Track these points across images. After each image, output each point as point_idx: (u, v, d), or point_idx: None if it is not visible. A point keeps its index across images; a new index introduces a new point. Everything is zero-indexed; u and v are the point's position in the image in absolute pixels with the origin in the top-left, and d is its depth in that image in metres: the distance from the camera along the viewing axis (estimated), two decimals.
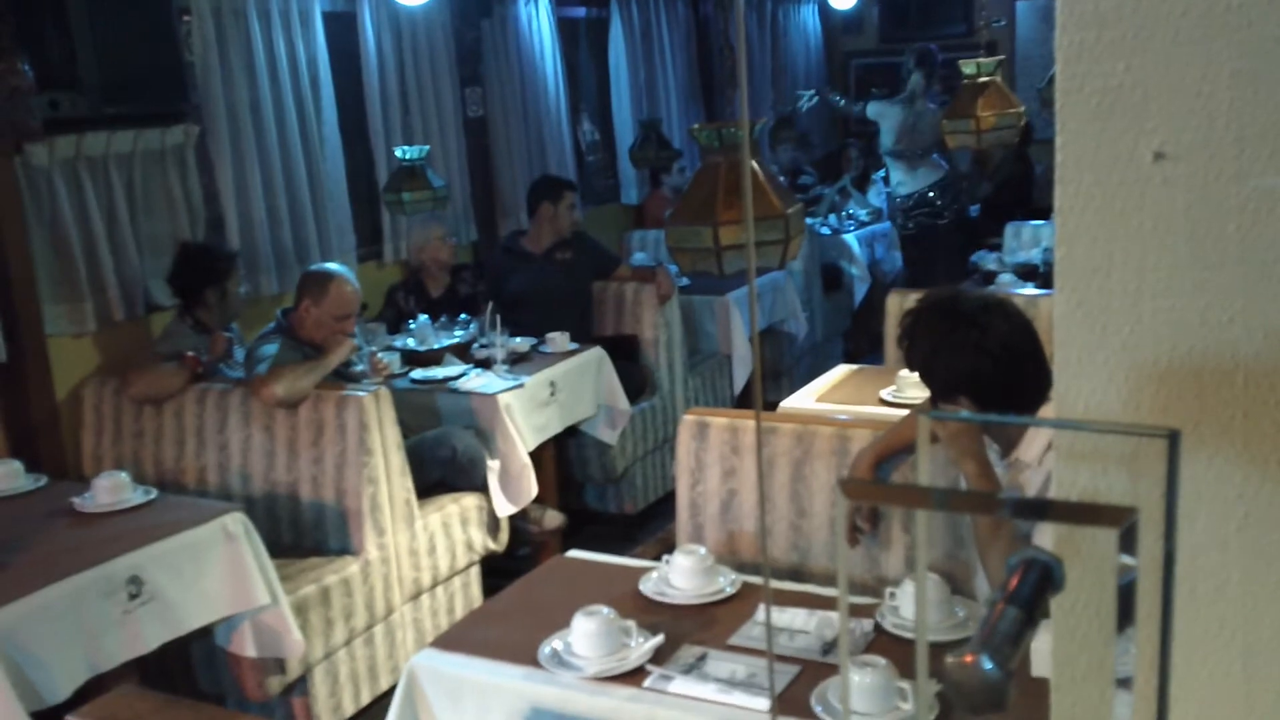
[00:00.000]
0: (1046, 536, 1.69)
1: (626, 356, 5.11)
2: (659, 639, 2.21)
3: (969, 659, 0.61)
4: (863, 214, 7.65)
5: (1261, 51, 0.88)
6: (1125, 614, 0.72)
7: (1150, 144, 0.92)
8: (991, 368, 2.21)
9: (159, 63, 4.36)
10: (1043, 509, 0.69)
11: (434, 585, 3.89)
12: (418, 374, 4.44)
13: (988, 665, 0.61)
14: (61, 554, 2.92)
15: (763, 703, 2.00)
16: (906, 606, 2.27)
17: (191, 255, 4.11)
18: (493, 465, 4.12)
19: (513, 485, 4.18)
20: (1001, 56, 5.00)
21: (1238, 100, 0.89)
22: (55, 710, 2.68)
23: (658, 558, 2.61)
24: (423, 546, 3.80)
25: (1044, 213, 6.52)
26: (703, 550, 2.52)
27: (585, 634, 2.19)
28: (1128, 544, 0.69)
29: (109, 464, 3.90)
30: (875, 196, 8.05)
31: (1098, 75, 0.93)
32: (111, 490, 3.23)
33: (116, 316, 4.22)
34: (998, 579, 2.26)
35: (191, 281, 4.05)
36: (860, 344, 7.49)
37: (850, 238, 7.30)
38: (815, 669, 2.11)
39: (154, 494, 3.29)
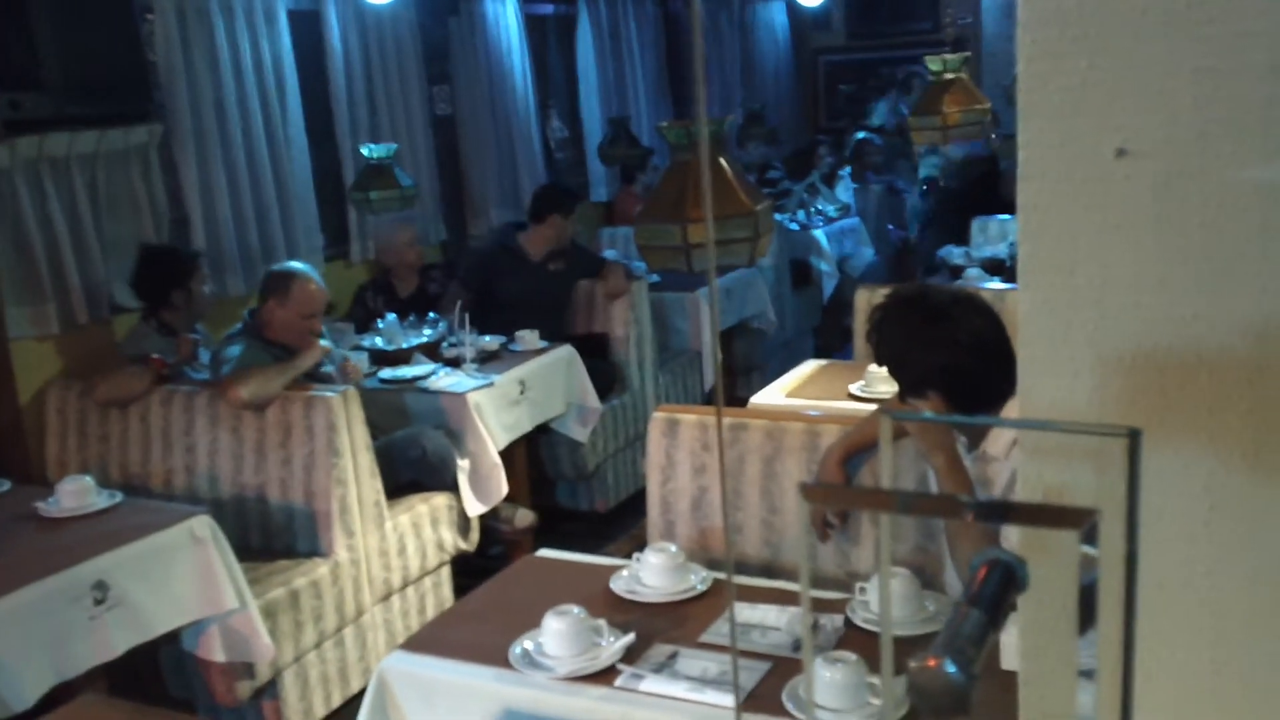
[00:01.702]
0: (1014, 531, 1.70)
1: (597, 354, 5.10)
2: (630, 638, 2.20)
3: (932, 663, 0.61)
4: (831, 210, 7.68)
5: (1222, 48, 0.88)
6: (1091, 612, 0.72)
7: (1113, 141, 0.93)
8: (962, 362, 2.21)
9: (122, 62, 4.32)
10: (1004, 512, 0.69)
11: (404, 586, 3.87)
12: (386, 373, 4.42)
13: (951, 669, 0.61)
14: (26, 559, 2.89)
15: (733, 700, 2.00)
16: (877, 601, 2.27)
17: (154, 257, 4.07)
18: (463, 464, 4.11)
19: (483, 484, 4.17)
20: (968, 53, 5.03)
21: (1199, 97, 0.90)
22: (21, 718, 2.65)
23: (630, 555, 2.61)
24: (393, 547, 3.79)
25: (1010, 207, 6.56)
26: (673, 548, 2.52)
27: (556, 634, 2.18)
28: (1095, 537, 0.70)
29: (74, 468, 3.86)
30: (843, 192, 8.08)
31: (1060, 73, 0.93)
32: (76, 494, 3.20)
33: (80, 319, 4.18)
34: (967, 570, 2.27)
35: (156, 283, 4.01)
36: (830, 339, 7.52)
37: (819, 233, 7.33)
38: (787, 665, 2.11)
39: (119, 498, 3.25)
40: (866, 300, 4.11)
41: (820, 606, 2.33)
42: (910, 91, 7.85)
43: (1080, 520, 0.63)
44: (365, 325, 4.86)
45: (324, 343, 3.90)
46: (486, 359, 4.53)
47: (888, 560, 0.74)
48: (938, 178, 7.73)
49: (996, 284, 4.88)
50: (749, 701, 2.02)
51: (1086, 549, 0.71)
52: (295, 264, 4.06)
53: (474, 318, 4.56)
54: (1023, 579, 0.68)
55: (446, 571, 4.09)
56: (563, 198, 5.30)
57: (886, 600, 0.75)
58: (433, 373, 4.39)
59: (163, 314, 4.02)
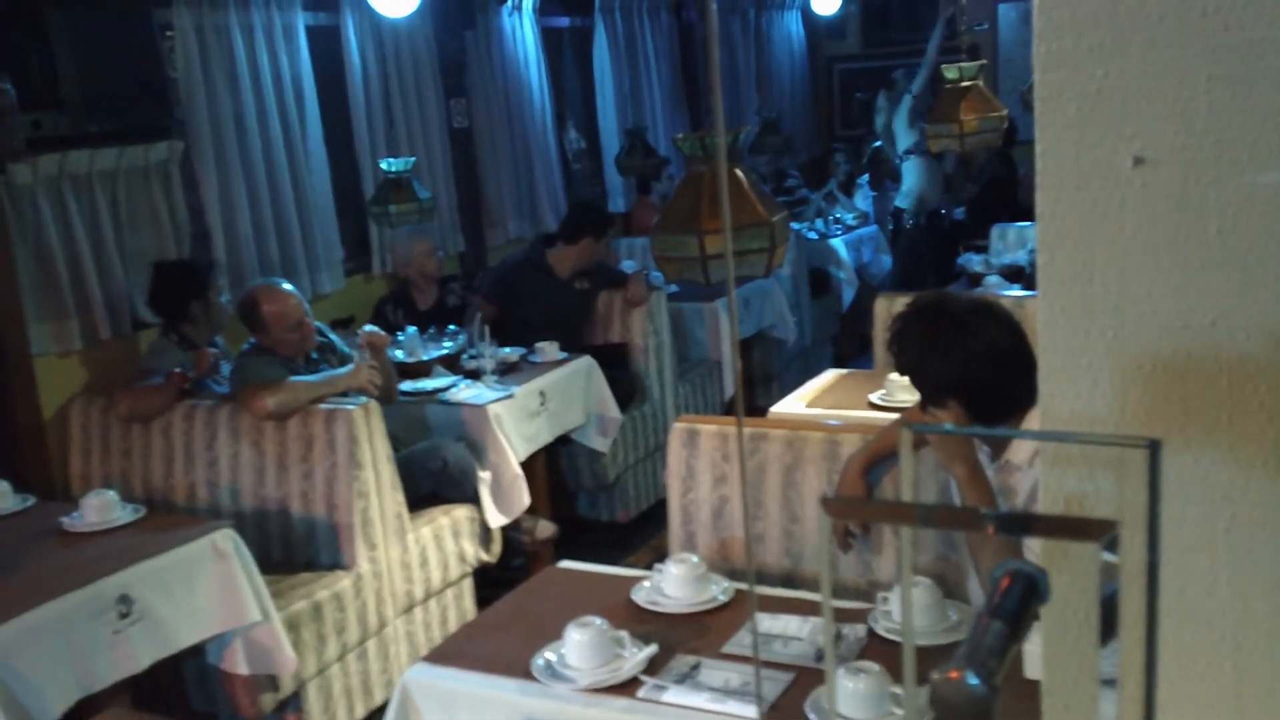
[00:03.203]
0: (1037, 540, 1.69)
1: (616, 364, 5.11)
2: (652, 649, 2.20)
3: (954, 674, 0.61)
4: (849, 218, 7.67)
5: (1238, 55, 0.88)
6: (1112, 623, 0.72)
7: (1130, 149, 0.93)
8: (981, 371, 2.21)
9: (142, 79, 4.36)
10: (1025, 523, 0.69)
11: (426, 598, 3.88)
12: (407, 386, 4.43)
13: (973, 680, 0.61)
14: (50, 574, 2.91)
15: (756, 711, 2.00)
16: (899, 610, 2.27)
17: (168, 273, 4.09)
18: (484, 476, 4.12)
19: (504, 496, 4.17)
20: (983, 60, 5.02)
21: (1215, 104, 0.90)
22: None
23: (650, 565, 2.61)
24: (415, 559, 3.80)
25: (1029, 214, 6.53)
26: (695, 559, 2.52)
27: (578, 645, 2.18)
28: (1116, 546, 0.70)
29: (97, 483, 3.88)
30: (861, 201, 8.07)
31: (1076, 82, 0.93)
32: (100, 509, 3.22)
33: (103, 334, 4.21)
34: (989, 580, 2.26)
35: (175, 297, 4.03)
36: (849, 347, 7.51)
37: (837, 242, 7.32)
38: (809, 675, 2.11)
39: (143, 512, 3.27)
40: (885, 308, 4.10)
41: (842, 616, 2.33)
42: (894, 89, 7.63)
43: (1101, 531, 0.63)
44: None
45: (357, 358, 3.91)
46: (506, 371, 4.54)
47: (910, 572, 0.74)
48: (906, 212, 7.36)
49: (1016, 291, 4.86)
50: (772, 712, 2.01)
51: (1108, 557, 0.71)
52: (257, 285, 4.03)
53: (495, 330, 4.57)
54: (1045, 590, 0.68)
55: (468, 583, 4.10)
56: (597, 220, 5.31)
57: (909, 611, 0.75)
58: (453, 385, 4.40)
59: (182, 328, 4.04)
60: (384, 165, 4.92)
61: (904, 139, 7.21)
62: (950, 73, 4.67)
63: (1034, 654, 1.03)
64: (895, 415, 3.17)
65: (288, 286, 3.95)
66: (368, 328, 4.14)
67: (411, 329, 4.71)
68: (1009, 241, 6.11)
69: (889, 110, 7.49)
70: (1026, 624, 0.67)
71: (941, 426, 2.30)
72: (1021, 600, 0.67)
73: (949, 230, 7.32)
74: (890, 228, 7.58)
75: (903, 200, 7.34)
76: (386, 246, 5.55)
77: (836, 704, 1.94)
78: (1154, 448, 0.66)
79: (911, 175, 7.26)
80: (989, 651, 0.62)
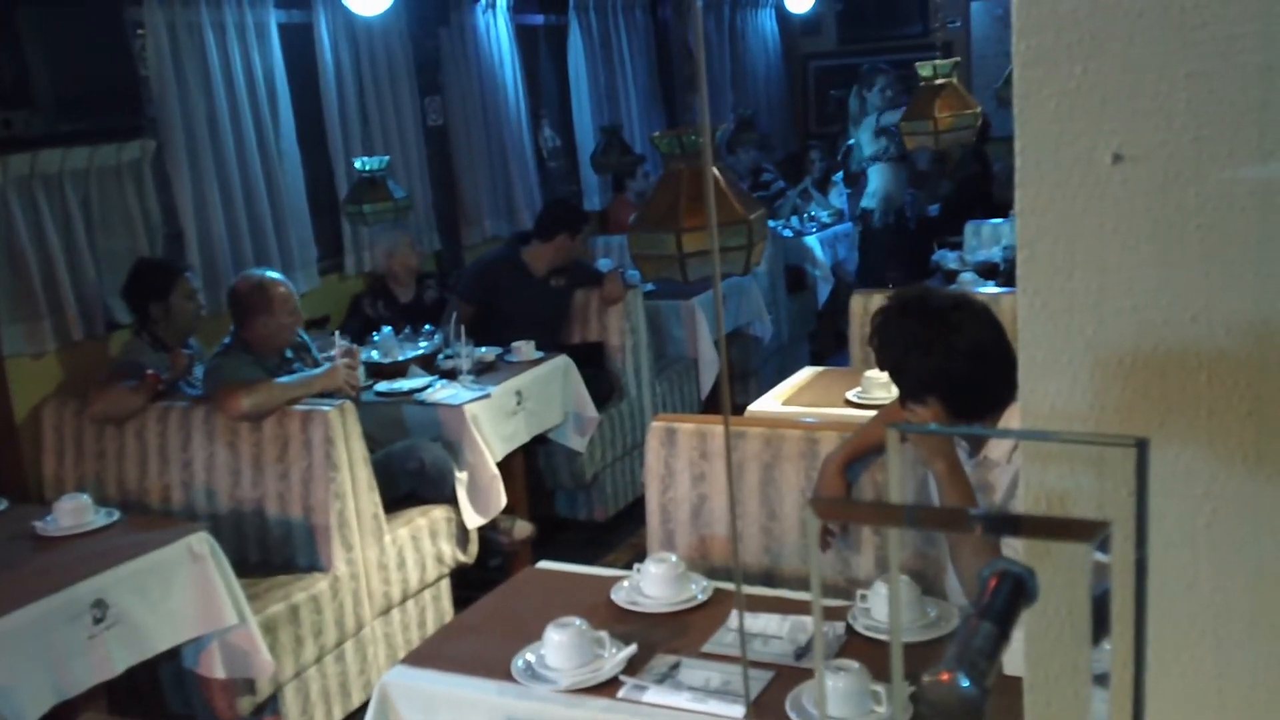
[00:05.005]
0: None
1: (593, 363, 5.10)
2: (632, 649, 2.20)
3: (945, 677, 0.61)
4: (825, 215, 7.68)
5: (1216, 52, 0.88)
6: (1101, 622, 0.72)
7: (1109, 146, 0.93)
8: (962, 367, 2.21)
9: (113, 78, 4.32)
10: (1016, 525, 0.68)
11: (404, 599, 3.86)
12: (383, 386, 4.41)
13: (965, 683, 0.61)
14: (24, 579, 2.88)
15: (737, 710, 2.00)
16: (878, 608, 2.27)
17: (139, 270, 4.06)
18: (461, 477, 4.10)
19: (482, 496, 4.16)
20: (958, 58, 5.03)
21: (1194, 100, 0.90)
22: None
23: (630, 564, 2.61)
24: (392, 561, 3.78)
25: (1003, 210, 6.57)
26: (674, 558, 2.51)
27: (558, 646, 2.18)
28: (1104, 544, 0.69)
29: (70, 486, 3.84)
30: (836, 198, 8.09)
31: (1055, 79, 0.93)
32: (73, 513, 3.19)
33: (76, 335, 4.16)
34: (968, 577, 2.27)
35: (135, 296, 4.00)
36: (826, 344, 7.52)
37: (812, 239, 7.34)
38: (789, 674, 2.11)
39: (116, 515, 3.24)
40: (861, 305, 4.12)
41: (822, 613, 2.33)
42: (867, 85, 7.56)
43: (1092, 532, 0.63)
44: (363, 335, 4.84)
45: (331, 363, 3.89)
46: (483, 370, 4.52)
47: (897, 573, 0.74)
48: (873, 213, 7.27)
49: (991, 288, 4.88)
50: (752, 710, 2.01)
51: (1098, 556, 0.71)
52: (257, 273, 4.03)
53: (472, 330, 4.56)
54: (1033, 589, 0.68)
55: (446, 584, 4.08)
56: (572, 218, 5.30)
57: (896, 612, 0.74)
58: (429, 385, 4.38)
59: (152, 328, 4.00)
60: (358, 164, 4.90)
61: (869, 147, 7.25)
62: (925, 70, 4.68)
63: (1013, 649, 1.03)
64: (872, 412, 3.18)
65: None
66: (341, 342, 4.08)
67: (387, 329, 4.68)
68: (983, 238, 6.14)
69: (858, 110, 7.49)
70: (1015, 624, 0.66)
71: (927, 426, 2.30)
72: (1010, 600, 0.67)
73: (915, 230, 7.35)
74: (859, 228, 7.60)
75: (869, 200, 7.35)
76: (362, 245, 5.53)
77: (826, 705, 1.93)
78: (1142, 446, 0.66)
79: (876, 178, 7.29)
80: (979, 653, 0.62)
